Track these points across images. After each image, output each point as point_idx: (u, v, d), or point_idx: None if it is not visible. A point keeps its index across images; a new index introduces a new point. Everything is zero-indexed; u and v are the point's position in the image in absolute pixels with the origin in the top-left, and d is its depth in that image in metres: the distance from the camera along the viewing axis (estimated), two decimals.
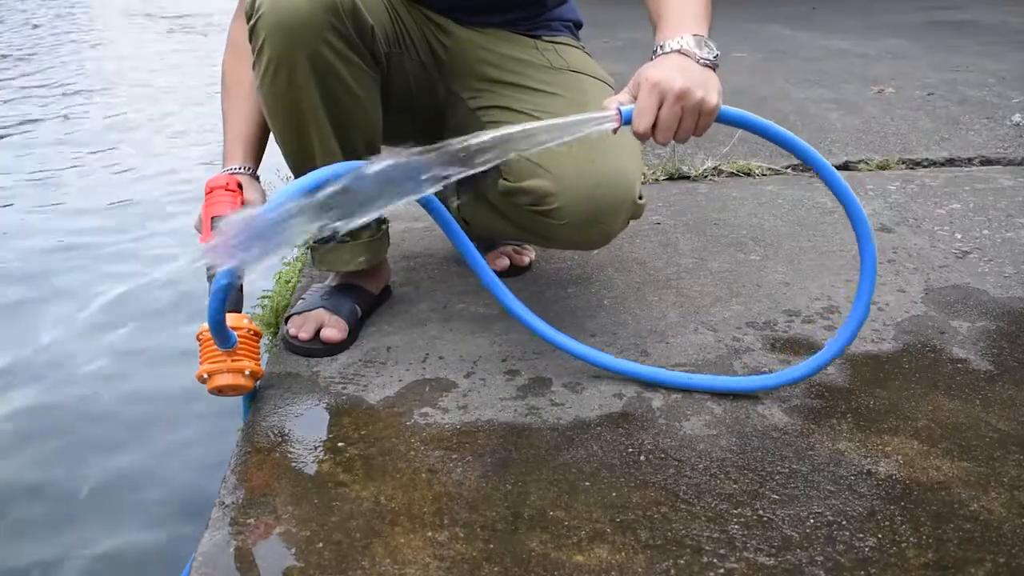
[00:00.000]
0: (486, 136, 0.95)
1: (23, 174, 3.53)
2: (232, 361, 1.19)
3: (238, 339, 1.19)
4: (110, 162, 3.70)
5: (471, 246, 1.31)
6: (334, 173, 1.22)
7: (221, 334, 1.15)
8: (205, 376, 1.20)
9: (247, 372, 1.20)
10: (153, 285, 2.52)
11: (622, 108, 1.04)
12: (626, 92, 1.07)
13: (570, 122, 1.01)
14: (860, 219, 1.15)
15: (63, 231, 2.95)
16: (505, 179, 1.32)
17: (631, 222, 1.35)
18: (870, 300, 1.18)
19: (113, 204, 3.23)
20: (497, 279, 1.33)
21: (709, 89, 1.05)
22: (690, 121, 1.05)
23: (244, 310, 1.28)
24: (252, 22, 1.24)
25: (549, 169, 1.27)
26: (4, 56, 6.16)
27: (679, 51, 1.08)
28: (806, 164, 1.15)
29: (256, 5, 1.23)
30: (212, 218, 1.28)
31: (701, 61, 1.07)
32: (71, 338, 2.22)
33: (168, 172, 3.54)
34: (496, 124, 1.36)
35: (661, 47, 1.10)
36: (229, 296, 1.10)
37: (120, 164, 3.68)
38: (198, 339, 1.21)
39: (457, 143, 0.94)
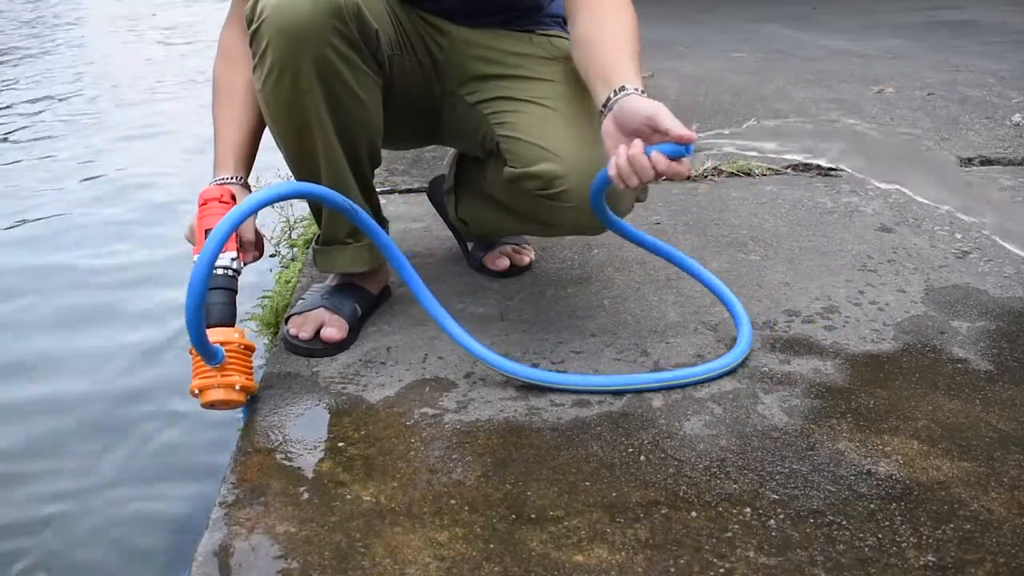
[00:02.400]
0: None
1: None
2: (223, 376, 1.20)
3: (228, 354, 1.20)
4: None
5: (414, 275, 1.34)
6: (328, 194, 1.23)
7: (205, 352, 1.17)
8: (197, 391, 1.22)
9: (237, 387, 1.21)
10: None
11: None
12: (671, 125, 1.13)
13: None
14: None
15: None
16: (511, 166, 1.33)
17: (634, 210, 1.37)
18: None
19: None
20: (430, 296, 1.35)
21: None
22: None
23: (244, 309, 1.29)
24: (254, 26, 1.23)
25: (556, 152, 1.27)
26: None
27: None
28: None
29: (258, 10, 1.22)
30: (206, 230, 1.29)
31: None
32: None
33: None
34: (498, 115, 1.37)
35: (633, 88, 1.16)
36: (202, 315, 1.13)
37: None
38: (190, 353, 1.22)
39: None
